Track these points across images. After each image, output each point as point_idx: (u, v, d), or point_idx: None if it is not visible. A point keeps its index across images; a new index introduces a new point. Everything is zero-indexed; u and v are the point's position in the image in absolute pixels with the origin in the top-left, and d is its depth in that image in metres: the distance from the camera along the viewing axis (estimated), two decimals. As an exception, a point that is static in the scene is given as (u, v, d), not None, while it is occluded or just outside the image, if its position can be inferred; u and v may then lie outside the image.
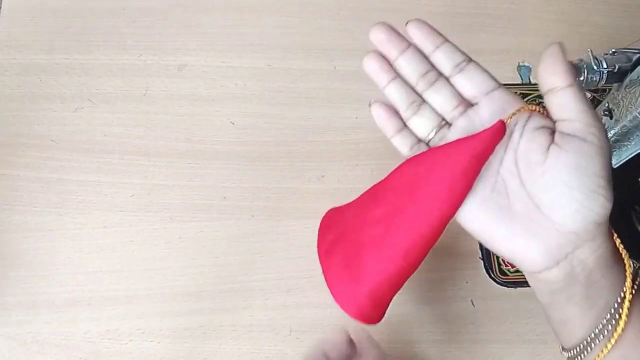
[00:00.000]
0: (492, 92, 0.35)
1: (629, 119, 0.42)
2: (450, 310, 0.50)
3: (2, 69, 0.56)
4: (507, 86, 0.58)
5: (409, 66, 0.36)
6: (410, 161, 0.36)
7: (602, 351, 0.32)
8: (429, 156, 0.34)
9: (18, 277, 0.48)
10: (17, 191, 0.51)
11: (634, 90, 0.41)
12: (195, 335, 0.48)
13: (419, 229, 0.33)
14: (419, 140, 0.36)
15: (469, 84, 0.35)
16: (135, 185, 0.52)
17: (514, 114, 0.33)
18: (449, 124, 0.36)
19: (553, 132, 0.32)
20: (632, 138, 0.44)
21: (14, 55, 0.56)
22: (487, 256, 0.52)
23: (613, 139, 0.45)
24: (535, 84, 0.60)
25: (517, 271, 0.52)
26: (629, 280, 0.33)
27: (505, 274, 0.51)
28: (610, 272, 0.33)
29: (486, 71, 0.36)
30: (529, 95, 0.59)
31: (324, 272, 0.36)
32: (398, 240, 0.34)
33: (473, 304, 0.51)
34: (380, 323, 0.49)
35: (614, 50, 0.43)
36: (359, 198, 0.38)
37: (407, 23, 0.36)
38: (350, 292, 0.35)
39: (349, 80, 0.58)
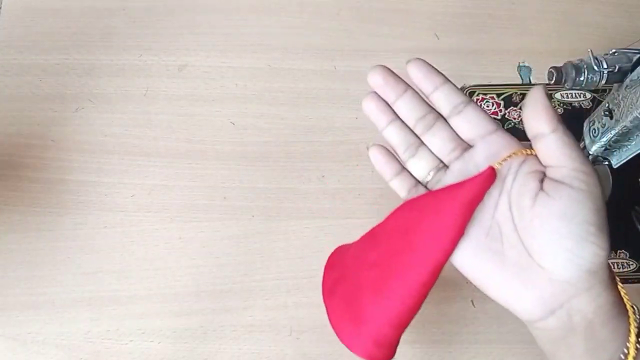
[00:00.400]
0: (489, 135, 0.35)
1: (629, 119, 0.42)
2: (450, 310, 0.50)
3: (2, 69, 0.56)
4: (507, 86, 0.59)
5: (407, 109, 0.36)
6: (404, 206, 0.36)
7: None
8: (422, 202, 0.35)
9: (18, 277, 0.48)
10: (17, 191, 0.51)
11: (634, 90, 0.41)
12: (195, 335, 0.48)
13: (413, 274, 0.33)
14: (417, 183, 0.37)
15: (467, 125, 0.35)
16: (135, 185, 0.52)
17: (505, 159, 0.33)
18: (446, 166, 0.36)
19: (545, 176, 0.32)
20: (632, 138, 0.44)
21: (14, 55, 0.56)
22: (487, 256, 0.52)
23: (613, 139, 0.45)
24: (536, 84, 0.60)
25: (517, 271, 0.52)
26: (632, 335, 0.31)
27: (505, 274, 0.51)
28: (613, 323, 0.31)
29: (484, 112, 0.36)
30: (529, 95, 0.59)
31: (327, 312, 0.37)
32: (394, 285, 0.34)
33: (473, 304, 0.51)
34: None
35: (614, 50, 0.43)
36: (361, 238, 0.39)
37: (407, 62, 0.36)
38: (354, 334, 0.35)
39: (349, 80, 0.58)
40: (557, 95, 0.59)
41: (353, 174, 0.54)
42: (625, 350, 0.31)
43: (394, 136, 0.37)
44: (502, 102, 0.58)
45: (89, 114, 0.55)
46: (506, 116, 0.58)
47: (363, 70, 0.60)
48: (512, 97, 0.59)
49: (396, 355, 0.48)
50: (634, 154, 0.46)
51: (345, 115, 0.57)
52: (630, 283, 0.52)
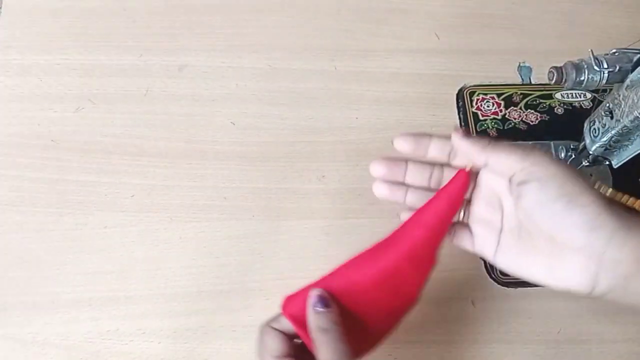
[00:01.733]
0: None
1: (629, 119, 0.42)
2: (450, 310, 0.50)
3: (2, 69, 0.56)
4: (507, 86, 0.59)
5: (416, 179, 0.40)
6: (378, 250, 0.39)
7: None
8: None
9: (18, 277, 0.48)
10: (17, 191, 0.51)
11: (634, 90, 0.41)
12: (195, 335, 0.48)
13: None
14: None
15: (464, 160, 0.39)
16: (135, 185, 0.52)
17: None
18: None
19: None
20: (632, 138, 0.44)
21: (14, 55, 0.56)
22: (487, 256, 0.52)
23: (613, 139, 0.45)
24: (536, 84, 0.60)
25: (517, 271, 0.52)
26: None
27: (505, 274, 0.51)
28: None
29: (471, 139, 0.39)
30: (529, 95, 0.59)
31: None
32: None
33: (473, 304, 0.51)
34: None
35: (614, 50, 0.43)
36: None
37: (393, 141, 0.39)
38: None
39: (349, 80, 0.58)
40: (557, 95, 0.59)
41: (353, 174, 0.54)
42: None
43: (415, 199, 0.40)
44: (502, 102, 0.58)
45: (89, 114, 0.55)
46: (506, 116, 0.58)
47: (363, 70, 0.60)
48: (512, 97, 0.59)
49: (396, 356, 0.48)
50: (634, 154, 0.46)
51: (345, 115, 0.57)
52: (630, 283, 0.52)
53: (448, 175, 0.40)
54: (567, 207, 0.34)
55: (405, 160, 0.40)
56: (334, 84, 0.58)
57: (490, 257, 0.39)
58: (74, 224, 0.50)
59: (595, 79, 0.42)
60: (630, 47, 0.43)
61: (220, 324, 0.48)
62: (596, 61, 0.42)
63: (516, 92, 0.59)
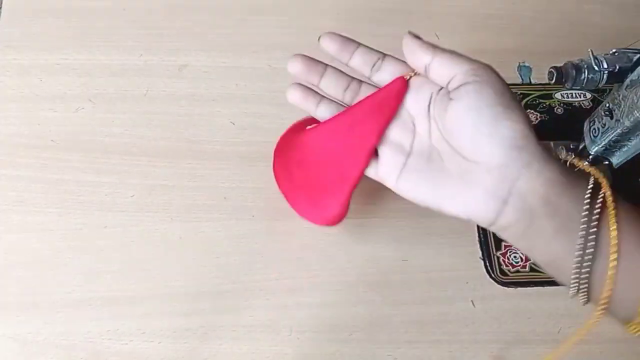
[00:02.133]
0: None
1: (629, 118, 0.42)
2: (450, 310, 0.50)
3: (2, 69, 0.56)
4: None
5: (331, 86, 0.40)
6: (332, 119, 0.41)
7: (604, 281, 0.32)
8: (346, 114, 0.40)
9: (18, 277, 0.48)
10: (17, 191, 0.51)
11: (634, 90, 0.41)
12: (195, 335, 0.48)
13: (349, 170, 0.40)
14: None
15: (387, 76, 0.39)
16: (135, 185, 0.52)
17: (415, 73, 0.38)
18: None
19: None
20: (632, 138, 0.44)
21: (14, 55, 0.56)
22: (487, 256, 0.52)
23: (613, 138, 0.45)
24: (536, 84, 0.60)
25: (517, 271, 0.52)
26: (605, 187, 0.33)
27: (505, 274, 0.51)
28: (570, 193, 0.33)
29: (402, 62, 0.39)
30: (529, 95, 0.59)
31: (285, 195, 0.47)
32: (333, 179, 0.42)
33: (473, 304, 0.51)
34: (380, 322, 0.49)
35: (614, 50, 0.43)
36: (304, 136, 0.44)
37: (319, 38, 0.40)
38: (312, 211, 0.45)
39: (349, 80, 0.58)
40: (557, 95, 0.59)
41: (353, 174, 0.54)
42: (585, 208, 0.32)
43: (327, 113, 0.41)
44: (502, 102, 0.58)
45: (89, 114, 0.55)
46: (506, 116, 0.58)
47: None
48: (512, 97, 0.59)
49: (396, 356, 0.49)
50: (634, 154, 0.46)
51: (345, 115, 0.57)
52: (630, 283, 0.52)
53: (364, 92, 0.40)
54: (498, 117, 0.33)
55: (325, 65, 0.40)
56: (334, 84, 0.58)
57: (392, 182, 0.38)
58: (74, 224, 0.50)
59: (595, 79, 0.42)
60: (630, 47, 0.43)
61: (220, 324, 0.48)
62: (596, 61, 0.42)
63: (516, 92, 0.59)
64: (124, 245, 0.50)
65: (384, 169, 0.39)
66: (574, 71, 0.42)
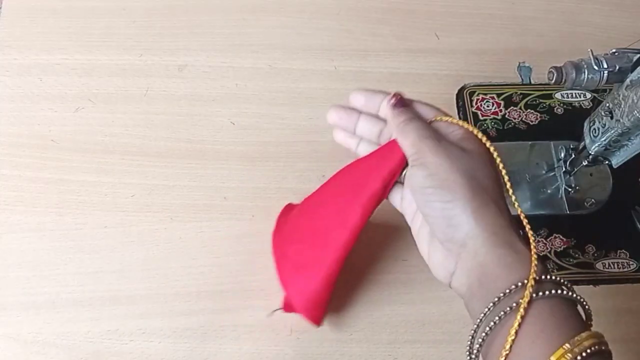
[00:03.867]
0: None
1: (629, 118, 0.42)
2: (451, 310, 0.50)
3: (2, 69, 0.56)
4: (507, 86, 0.59)
5: (365, 130, 0.43)
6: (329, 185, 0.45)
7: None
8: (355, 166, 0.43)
9: (18, 277, 0.48)
10: (17, 191, 0.51)
11: (634, 90, 0.41)
12: (195, 335, 0.48)
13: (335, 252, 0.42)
14: None
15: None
16: (135, 185, 0.52)
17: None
18: None
19: None
20: (632, 138, 0.44)
21: (14, 55, 0.56)
22: (487, 256, 0.52)
23: (613, 138, 0.45)
24: (536, 84, 0.60)
25: (517, 271, 0.52)
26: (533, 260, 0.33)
27: (505, 274, 0.51)
28: (496, 283, 0.34)
29: (427, 105, 0.41)
30: (529, 95, 0.59)
31: (278, 271, 0.45)
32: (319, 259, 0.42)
33: (473, 304, 0.51)
34: (380, 322, 0.49)
35: (614, 50, 0.43)
36: (301, 207, 0.47)
37: (350, 96, 0.43)
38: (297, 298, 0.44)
39: (349, 80, 0.58)
40: (557, 95, 0.59)
41: (353, 174, 0.54)
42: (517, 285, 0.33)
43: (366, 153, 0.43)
44: (502, 102, 0.58)
45: (89, 114, 0.55)
46: (506, 116, 0.58)
47: (363, 70, 0.60)
48: (512, 97, 0.59)
49: (396, 356, 0.48)
50: (634, 154, 0.46)
51: (345, 115, 0.57)
52: (630, 283, 0.52)
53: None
54: (431, 198, 0.36)
55: (359, 113, 0.43)
56: (333, 84, 0.58)
57: (408, 220, 0.41)
58: (74, 224, 0.50)
59: (595, 78, 0.42)
60: (630, 47, 0.43)
61: (220, 324, 0.48)
62: (596, 61, 0.42)
63: (516, 92, 0.59)
64: (124, 245, 0.50)
65: (405, 207, 0.42)
66: (574, 71, 0.42)
